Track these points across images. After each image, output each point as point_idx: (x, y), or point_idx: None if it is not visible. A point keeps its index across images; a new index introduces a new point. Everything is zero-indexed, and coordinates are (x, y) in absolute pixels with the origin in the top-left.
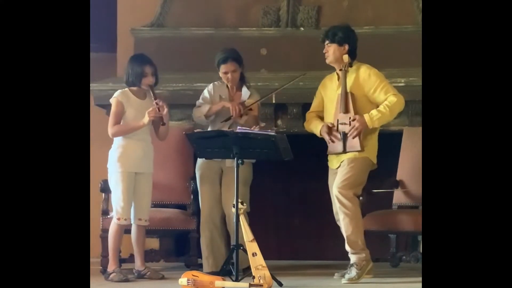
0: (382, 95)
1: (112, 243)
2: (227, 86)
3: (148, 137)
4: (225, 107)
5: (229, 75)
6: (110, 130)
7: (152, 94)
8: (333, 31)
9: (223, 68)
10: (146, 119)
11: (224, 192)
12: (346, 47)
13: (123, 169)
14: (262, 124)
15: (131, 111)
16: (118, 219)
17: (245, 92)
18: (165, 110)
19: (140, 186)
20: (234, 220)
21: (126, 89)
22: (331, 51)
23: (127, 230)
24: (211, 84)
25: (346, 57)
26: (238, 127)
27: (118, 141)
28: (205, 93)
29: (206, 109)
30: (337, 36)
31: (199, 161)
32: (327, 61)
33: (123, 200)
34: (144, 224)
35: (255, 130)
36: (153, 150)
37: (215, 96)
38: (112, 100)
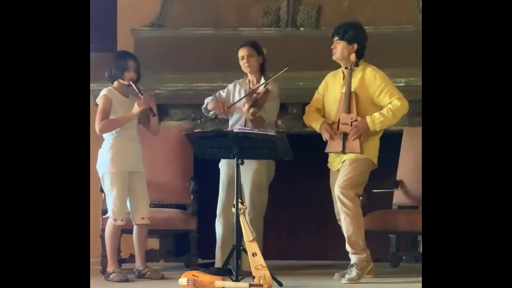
0: (387, 99)
1: (110, 244)
2: (248, 81)
3: (137, 137)
4: (215, 106)
5: (245, 60)
6: (97, 126)
7: (136, 88)
8: (344, 28)
9: (240, 53)
10: (135, 109)
11: (242, 191)
12: (355, 46)
13: (116, 169)
14: (253, 109)
15: (118, 108)
16: (115, 220)
17: (262, 82)
18: (152, 101)
19: (136, 186)
20: (234, 220)
21: (110, 87)
22: (339, 48)
23: (130, 230)
24: (233, 82)
25: (353, 56)
26: (238, 127)
27: (109, 141)
28: (224, 89)
29: (206, 103)
30: (348, 34)
31: (222, 160)
32: (334, 57)
33: (118, 200)
34: (145, 222)
35: (255, 130)
36: (153, 150)
37: (233, 92)
38: (100, 98)
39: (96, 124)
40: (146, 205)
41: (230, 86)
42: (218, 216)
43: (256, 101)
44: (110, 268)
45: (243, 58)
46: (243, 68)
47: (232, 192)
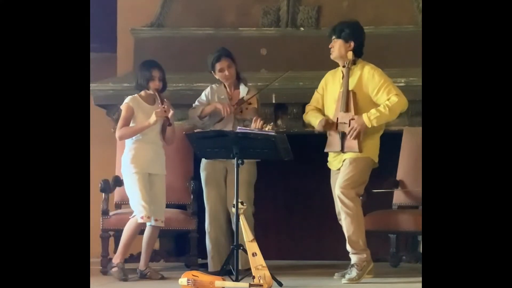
0: (385, 96)
1: (127, 238)
2: (224, 86)
3: (158, 140)
4: (217, 108)
5: (225, 72)
6: (117, 133)
7: (158, 98)
8: (341, 27)
9: (218, 66)
10: (152, 118)
11: (229, 191)
12: (352, 44)
13: (137, 170)
14: (270, 125)
15: (141, 116)
16: (142, 217)
17: (243, 89)
18: (171, 112)
19: (155, 187)
20: (234, 220)
21: (136, 95)
22: (337, 46)
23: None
24: (209, 87)
25: (350, 54)
26: (238, 127)
27: (129, 145)
28: (202, 96)
29: (199, 110)
30: (344, 32)
31: (203, 161)
32: (332, 56)
33: (143, 199)
34: (160, 224)
35: (255, 129)
36: None
37: (212, 98)
38: (123, 105)
39: (116, 130)
40: (163, 207)
41: (207, 90)
42: (209, 221)
43: (256, 112)
44: (116, 259)
45: (223, 70)
46: (223, 79)
47: (220, 193)
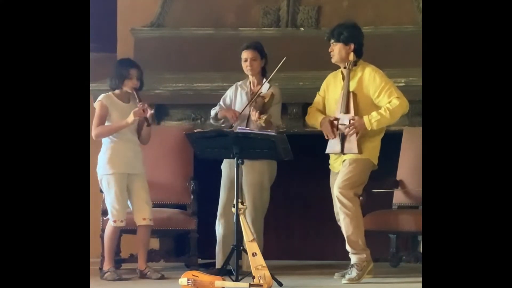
0: (386, 98)
1: (108, 244)
2: (249, 82)
3: (135, 139)
4: (227, 116)
5: (248, 63)
6: (93, 132)
7: (136, 97)
8: (339, 30)
9: (243, 54)
10: (130, 118)
11: (243, 192)
12: (352, 46)
13: (114, 171)
14: (264, 116)
15: (115, 114)
16: (114, 221)
17: (265, 86)
18: (150, 112)
19: (136, 187)
20: (234, 220)
21: (110, 93)
22: (337, 50)
23: (130, 230)
24: (233, 85)
25: (351, 56)
26: (238, 127)
27: (106, 144)
28: (226, 96)
29: (213, 113)
30: (343, 35)
31: (224, 160)
32: (333, 60)
33: (117, 202)
34: (147, 223)
35: (255, 129)
36: (153, 150)
37: (235, 95)
38: (96, 103)
39: (92, 129)
40: (148, 206)
41: (230, 91)
42: (219, 217)
43: (263, 106)
44: (105, 267)
45: (246, 61)
46: (244, 70)
47: (233, 193)
